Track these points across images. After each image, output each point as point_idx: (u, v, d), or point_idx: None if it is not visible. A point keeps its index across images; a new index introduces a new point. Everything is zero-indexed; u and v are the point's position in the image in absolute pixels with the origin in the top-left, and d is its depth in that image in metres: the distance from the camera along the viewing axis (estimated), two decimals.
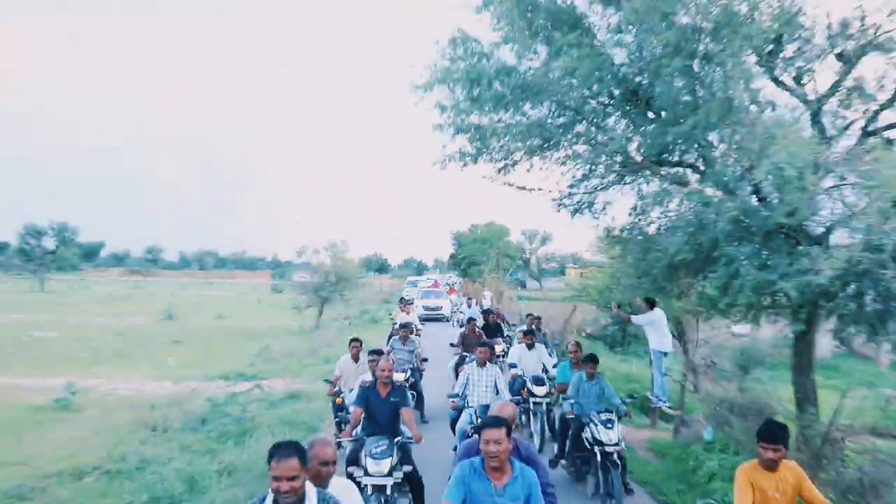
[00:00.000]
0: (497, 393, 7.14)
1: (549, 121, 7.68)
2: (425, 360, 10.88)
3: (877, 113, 7.61)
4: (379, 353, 7.57)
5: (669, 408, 9.15)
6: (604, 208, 8.07)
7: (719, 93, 5.32)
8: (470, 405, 7.22)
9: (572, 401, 6.90)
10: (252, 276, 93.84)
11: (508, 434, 3.49)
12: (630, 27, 5.85)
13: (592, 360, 7.00)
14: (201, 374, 15.39)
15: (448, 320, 24.94)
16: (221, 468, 7.73)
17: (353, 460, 5.48)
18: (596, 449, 6.35)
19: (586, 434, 6.62)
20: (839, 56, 7.48)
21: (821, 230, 4.80)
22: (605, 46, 6.95)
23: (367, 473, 5.27)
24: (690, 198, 5.42)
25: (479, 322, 11.97)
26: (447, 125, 7.40)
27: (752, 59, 6.56)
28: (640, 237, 6.60)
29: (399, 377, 9.29)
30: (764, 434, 3.74)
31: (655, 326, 9.03)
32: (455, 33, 7.63)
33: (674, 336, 9.54)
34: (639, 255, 6.53)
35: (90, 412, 12.20)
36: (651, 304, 9.03)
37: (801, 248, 4.75)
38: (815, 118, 7.57)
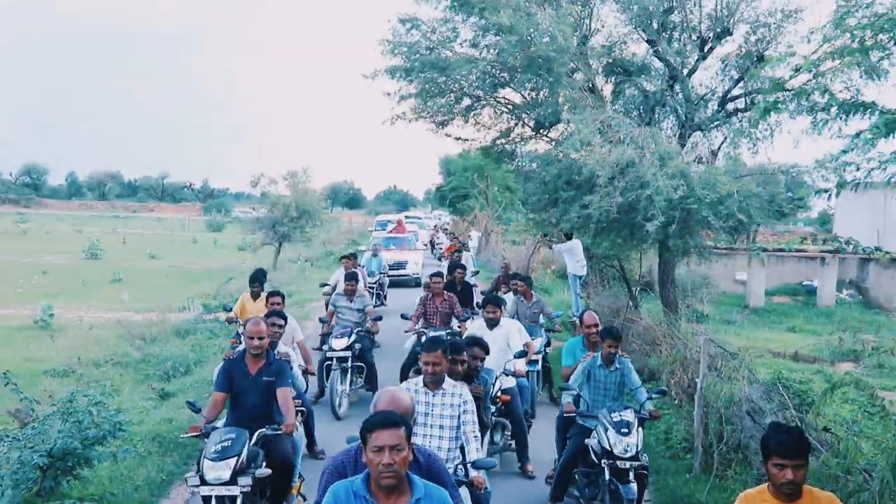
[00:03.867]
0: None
1: (478, 86, 14.49)
2: (378, 318, 11.78)
3: (734, 85, 14.51)
4: (277, 294, 9.84)
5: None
6: (522, 154, 15.09)
7: (555, 97, 12.27)
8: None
9: (574, 392, 7.09)
10: (177, 209, 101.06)
11: (409, 437, 3.60)
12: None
13: (612, 336, 7.13)
14: (164, 307, 22.42)
15: (418, 284, 24.50)
16: (216, 350, 14.96)
17: (198, 462, 5.92)
18: (603, 463, 6.40)
19: (592, 441, 6.73)
20: (702, 41, 14.32)
21: (606, 180, 11.48)
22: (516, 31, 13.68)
23: (203, 481, 5.61)
24: (539, 158, 12.40)
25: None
26: (395, 93, 14.26)
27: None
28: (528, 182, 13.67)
29: (340, 344, 10.60)
30: (777, 447, 3.82)
31: (572, 254, 15.96)
32: (402, 15, 14.33)
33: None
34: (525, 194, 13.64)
35: (74, 331, 19.35)
36: (568, 236, 15.92)
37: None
38: (685, 87, 14.40)
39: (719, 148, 14.13)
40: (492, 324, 8.82)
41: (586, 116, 11.75)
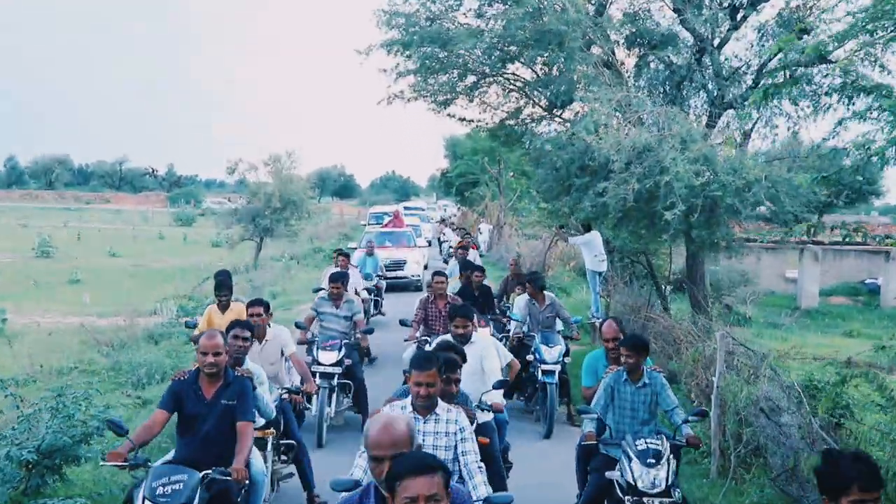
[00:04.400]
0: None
1: (483, 61, 15.51)
2: (369, 331, 12.11)
3: (772, 57, 15.48)
4: (259, 303, 9.18)
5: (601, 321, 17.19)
6: (533, 137, 16.13)
7: (569, 74, 13.29)
8: None
9: (595, 416, 7.15)
10: (138, 199, 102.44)
11: (447, 483, 3.59)
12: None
13: (636, 346, 7.15)
14: (132, 311, 23.44)
15: (419, 288, 25.17)
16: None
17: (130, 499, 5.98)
18: (628, 501, 6.55)
19: (615, 474, 6.82)
20: (733, 8, 15.30)
21: (622, 165, 12.45)
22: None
23: None
24: (550, 141, 13.43)
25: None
26: (391, 69, 15.28)
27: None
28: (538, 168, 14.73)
29: (328, 358, 10.63)
30: (859, 477, 3.79)
31: (590, 247, 16.91)
32: None
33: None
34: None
35: (31, 337, 20.44)
36: (587, 228, 16.90)
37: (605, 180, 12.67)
38: (715, 60, 15.36)
39: (752, 128, 15.08)
40: (462, 340, 8.15)
41: (601, 95, 12.74)
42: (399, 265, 26.07)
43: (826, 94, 7.84)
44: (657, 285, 17.83)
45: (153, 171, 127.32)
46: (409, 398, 5.89)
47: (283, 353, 9.14)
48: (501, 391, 8.23)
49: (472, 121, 16.86)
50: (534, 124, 16.56)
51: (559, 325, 12.49)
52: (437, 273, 12.17)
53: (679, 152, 12.04)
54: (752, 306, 24.93)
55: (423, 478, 3.45)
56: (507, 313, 13.68)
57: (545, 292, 12.66)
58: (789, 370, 11.04)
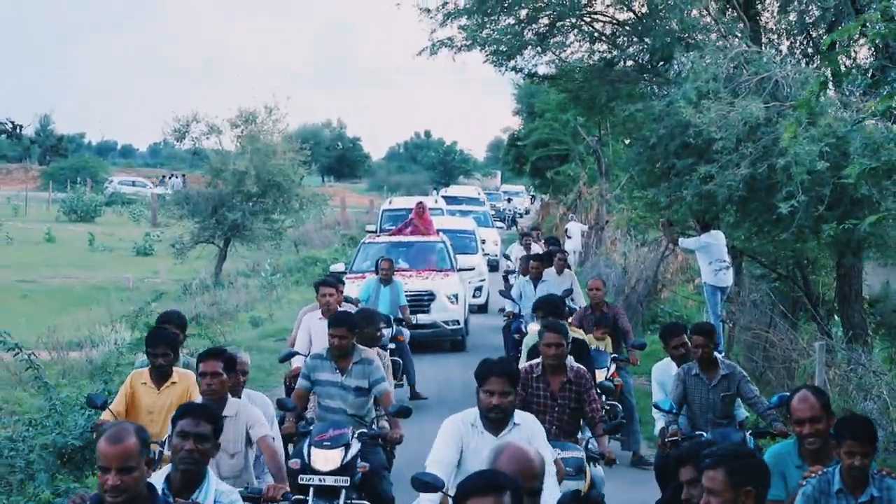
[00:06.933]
0: None
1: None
2: (404, 412, 11.47)
3: None
4: (216, 354, 9.85)
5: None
6: (629, 102, 21.39)
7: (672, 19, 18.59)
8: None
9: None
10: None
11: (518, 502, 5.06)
12: None
13: (856, 434, 7.56)
14: (53, 342, 28.22)
15: (460, 345, 27.08)
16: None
17: None
18: None
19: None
20: None
21: (730, 145, 17.15)
22: None
23: None
24: (642, 112, 18.76)
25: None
26: (437, 9, 20.49)
27: None
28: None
29: (327, 460, 10.58)
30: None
31: (707, 253, 21.39)
32: None
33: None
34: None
35: None
36: (704, 226, 21.48)
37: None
38: None
39: None
40: (497, 418, 8.56)
41: (709, 51, 17.64)
42: (422, 302, 26.13)
43: None
44: (814, 309, 21.49)
45: (14, 129, 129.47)
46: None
47: (249, 439, 9.60)
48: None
49: (545, 78, 21.75)
50: (628, 86, 21.15)
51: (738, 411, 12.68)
52: (548, 327, 11.55)
53: (804, 128, 15.77)
54: None
55: (487, 497, 4.98)
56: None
57: (716, 354, 12.44)
58: None
